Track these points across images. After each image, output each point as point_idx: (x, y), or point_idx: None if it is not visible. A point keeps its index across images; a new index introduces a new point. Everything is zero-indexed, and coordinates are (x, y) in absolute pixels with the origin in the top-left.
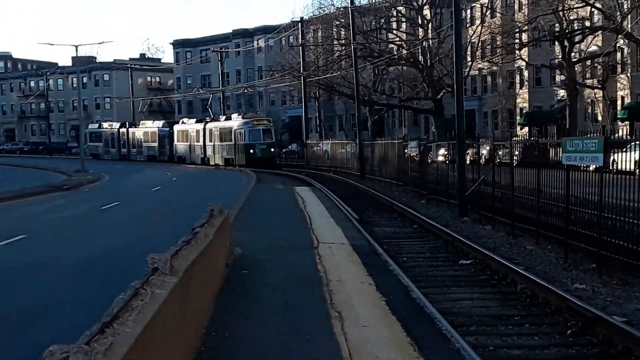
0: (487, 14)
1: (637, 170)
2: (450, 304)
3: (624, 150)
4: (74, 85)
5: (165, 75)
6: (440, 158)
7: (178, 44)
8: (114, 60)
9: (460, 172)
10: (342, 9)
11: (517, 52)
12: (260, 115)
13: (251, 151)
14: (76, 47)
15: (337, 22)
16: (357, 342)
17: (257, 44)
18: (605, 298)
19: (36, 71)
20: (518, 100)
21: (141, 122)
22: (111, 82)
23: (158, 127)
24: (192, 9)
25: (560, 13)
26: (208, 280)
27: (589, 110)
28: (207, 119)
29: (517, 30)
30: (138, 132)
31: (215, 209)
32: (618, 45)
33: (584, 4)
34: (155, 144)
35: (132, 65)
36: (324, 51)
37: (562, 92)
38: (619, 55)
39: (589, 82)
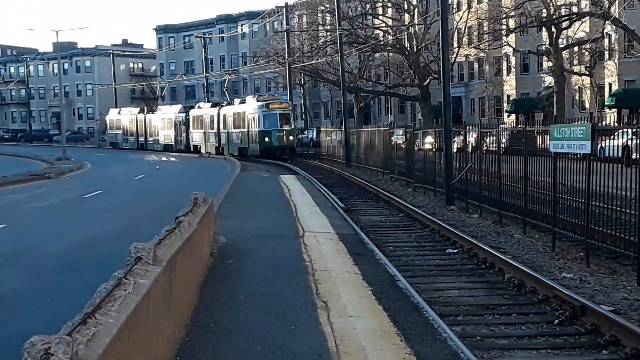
0: None
1: (624, 157)
2: (437, 293)
3: (611, 137)
4: (55, 71)
5: (148, 61)
6: (427, 146)
7: (161, 30)
8: (96, 46)
9: (447, 160)
10: None
11: (504, 38)
12: (277, 98)
13: (266, 139)
14: (57, 32)
15: (322, 8)
16: (343, 331)
17: (241, 29)
18: (592, 287)
19: (16, 57)
20: (505, 87)
21: (158, 107)
22: (93, 68)
23: (174, 113)
24: None
25: None
26: (192, 270)
27: (577, 97)
28: (224, 103)
29: (504, 16)
30: (155, 119)
31: (199, 198)
32: (605, 31)
33: None
34: (172, 132)
35: (114, 51)
36: (309, 37)
37: (549, 79)
38: (606, 41)
39: (576, 68)
